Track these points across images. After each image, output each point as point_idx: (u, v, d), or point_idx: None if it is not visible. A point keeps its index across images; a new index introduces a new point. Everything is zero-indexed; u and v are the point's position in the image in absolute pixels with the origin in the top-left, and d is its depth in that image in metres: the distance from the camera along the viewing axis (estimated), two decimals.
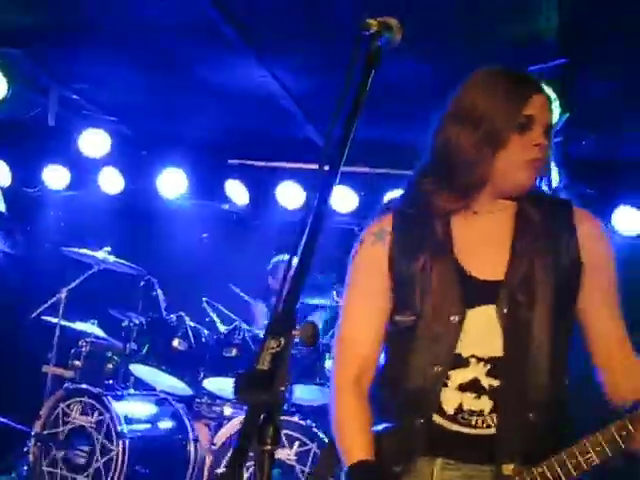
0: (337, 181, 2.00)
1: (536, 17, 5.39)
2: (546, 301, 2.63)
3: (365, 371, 2.74)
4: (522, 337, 2.61)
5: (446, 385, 2.63)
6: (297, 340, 1.70)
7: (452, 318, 2.62)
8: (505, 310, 2.61)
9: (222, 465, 6.15)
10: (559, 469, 2.48)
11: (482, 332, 2.63)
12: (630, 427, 2.45)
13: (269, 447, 1.67)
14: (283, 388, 1.67)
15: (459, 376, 2.63)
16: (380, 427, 2.70)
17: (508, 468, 2.55)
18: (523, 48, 5.79)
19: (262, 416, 1.66)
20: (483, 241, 2.72)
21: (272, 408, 1.66)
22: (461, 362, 2.63)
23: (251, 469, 5.94)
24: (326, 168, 1.97)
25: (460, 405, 2.63)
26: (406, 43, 5.65)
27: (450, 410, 2.63)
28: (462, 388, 2.63)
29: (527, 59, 5.81)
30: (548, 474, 2.49)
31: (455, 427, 2.63)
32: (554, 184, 2.84)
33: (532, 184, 2.71)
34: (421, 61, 6.25)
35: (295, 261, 1.81)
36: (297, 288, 1.76)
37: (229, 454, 6.17)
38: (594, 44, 5.76)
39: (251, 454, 1.62)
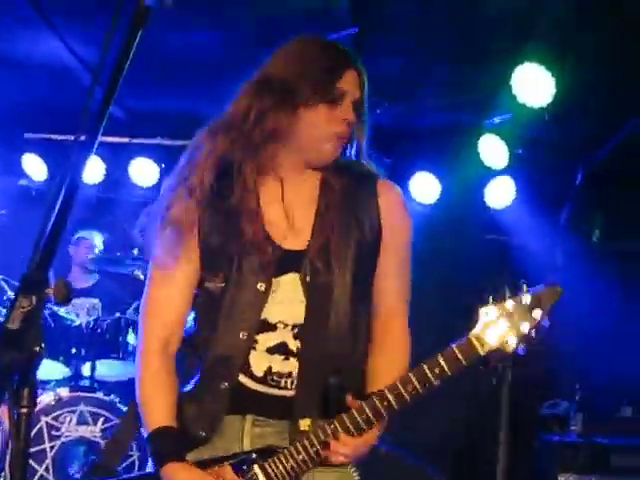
0: (93, 150, 1.95)
1: None
2: (347, 269, 2.70)
3: (171, 336, 2.75)
4: (323, 304, 2.68)
5: (254, 349, 2.68)
6: (50, 297, 1.67)
7: (259, 286, 2.67)
8: (307, 278, 2.68)
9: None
10: (349, 425, 2.59)
11: (288, 299, 2.69)
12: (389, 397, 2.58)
13: (26, 409, 1.65)
14: (37, 348, 1.64)
15: (267, 339, 2.69)
16: (183, 391, 2.72)
17: (304, 423, 2.64)
18: (315, 16, 5.86)
19: (16, 377, 1.63)
20: (289, 210, 2.75)
21: (26, 368, 1.63)
22: (269, 327, 2.69)
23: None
24: (82, 138, 1.92)
25: (269, 368, 2.69)
26: (196, 12, 5.65)
27: (259, 372, 2.69)
28: (270, 351, 2.69)
29: (319, 28, 5.89)
30: (339, 429, 2.59)
31: (264, 389, 2.69)
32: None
33: (335, 156, 2.76)
34: (213, 30, 6.24)
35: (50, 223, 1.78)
36: (50, 249, 1.73)
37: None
38: (384, 13, 5.89)
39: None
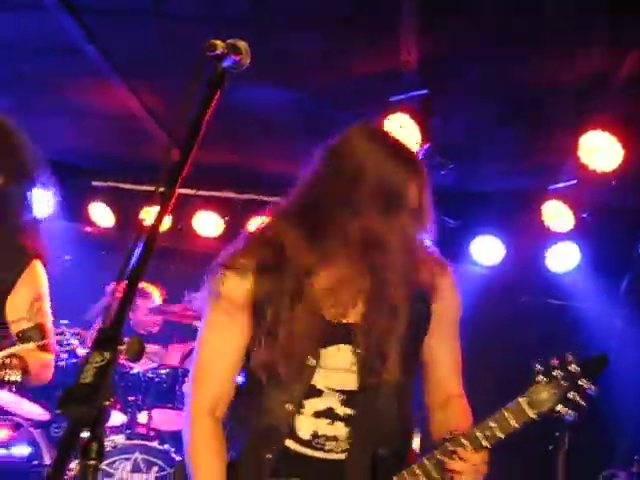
0: (171, 203, 1.97)
1: (396, 50, 5.52)
2: (398, 344, 2.73)
3: (220, 402, 2.76)
4: (375, 375, 2.71)
5: (301, 413, 2.72)
6: (123, 354, 1.70)
7: (308, 359, 2.70)
8: (360, 350, 2.71)
9: None
10: None
11: (337, 369, 2.73)
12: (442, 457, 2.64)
13: (94, 462, 1.67)
14: (107, 402, 1.67)
15: (314, 404, 2.72)
16: (230, 458, 2.74)
17: None
18: (386, 79, 5.93)
19: (86, 430, 1.66)
20: (340, 287, 2.75)
21: (95, 422, 1.66)
22: (316, 392, 2.72)
23: None
24: (161, 189, 1.95)
25: (315, 431, 2.72)
26: (269, 71, 5.76)
27: (306, 436, 2.72)
28: (317, 415, 2.73)
29: (390, 89, 5.96)
30: None
31: (309, 452, 2.72)
32: None
33: None
34: (282, 90, 6.33)
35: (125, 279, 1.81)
36: (125, 306, 1.76)
37: None
38: (452, 78, 5.94)
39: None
